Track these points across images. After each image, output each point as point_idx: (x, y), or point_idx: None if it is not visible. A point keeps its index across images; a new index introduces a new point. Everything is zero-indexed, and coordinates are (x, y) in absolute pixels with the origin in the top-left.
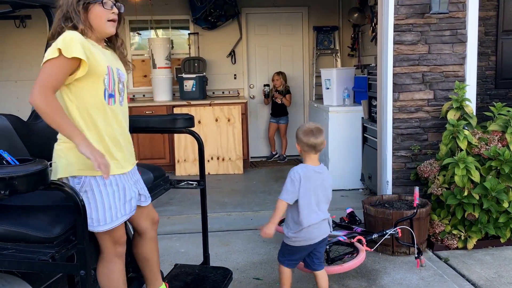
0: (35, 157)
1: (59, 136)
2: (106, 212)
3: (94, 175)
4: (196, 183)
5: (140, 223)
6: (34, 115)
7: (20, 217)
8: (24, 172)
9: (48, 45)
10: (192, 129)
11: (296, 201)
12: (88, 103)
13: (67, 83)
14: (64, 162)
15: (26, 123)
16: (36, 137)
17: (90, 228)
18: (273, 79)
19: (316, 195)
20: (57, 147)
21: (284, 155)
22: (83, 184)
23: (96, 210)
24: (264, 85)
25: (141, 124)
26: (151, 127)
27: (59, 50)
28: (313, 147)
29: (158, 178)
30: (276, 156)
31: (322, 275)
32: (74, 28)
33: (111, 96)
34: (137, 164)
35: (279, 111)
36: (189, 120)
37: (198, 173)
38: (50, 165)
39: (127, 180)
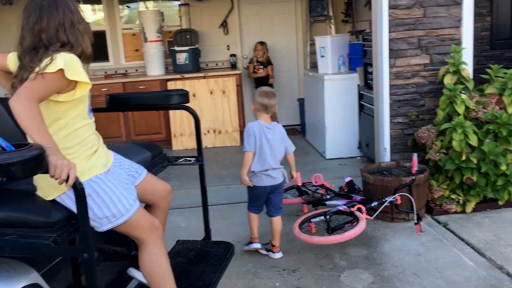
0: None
1: None
2: (118, 204)
3: (90, 177)
4: (194, 159)
5: (147, 198)
6: None
7: (20, 202)
8: (21, 157)
9: (26, 55)
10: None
11: None
12: (75, 116)
13: (61, 100)
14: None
15: None
16: None
17: (114, 225)
18: (256, 49)
19: (266, 147)
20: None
21: None
22: (85, 189)
23: (108, 207)
24: (244, 56)
25: (134, 102)
26: (145, 104)
27: (61, 69)
28: (265, 107)
29: (156, 156)
30: None
31: (276, 220)
32: (62, 46)
33: (90, 111)
34: (134, 143)
35: (263, 85)
36: (184, 95)
37: (195, 147)
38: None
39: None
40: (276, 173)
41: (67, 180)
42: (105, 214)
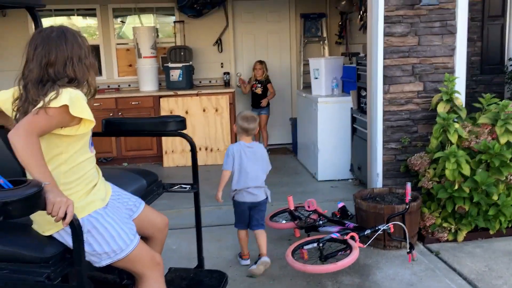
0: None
1: None
2: (118, 240)
3: (89, 213)
4: (189, 186)
5: (144, 231)
6: None
7: (13, 236)
8: (19, 196)
9: (31, 88)
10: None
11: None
12: (77, 151)
13: (64, 134)
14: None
15: None
16: None
17: (114, 260)
18: (255, 68)
19: (247, 165)
20: None
21: (266, 148)
22: (84, 225)
23: (108, 243)
24: (238, 74)
25: (130, 127)
26: (141, 130)
27: (65, 105)
28: (245, 130)
29: (151, 183)
30: None
31: (259, 232)
32: (69, 82)
33: (91, 144)
34: (129, 170)
35: (260, 102)
36: (181, 122)
37: (187, 164)
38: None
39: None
40: (258, 191)
41: (64, 217)
42: (104, 250)
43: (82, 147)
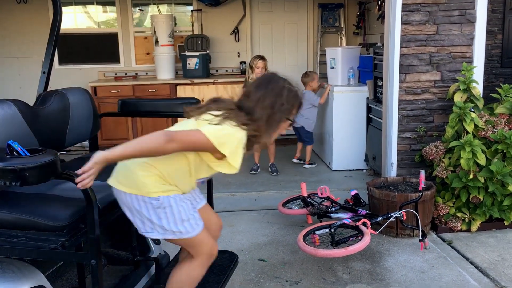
0: (44, 145)
1: (140, 163)
2: (186, 223)
3: (169, 195)
4: None
5: None
6: (41, 99)
7: (30, 205)
8: (35, 163)
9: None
10: None
11: None
12: (196, 166)
13: (204, 158)
14: (146, 184)
15: (33, 108)
16: (44, 123)
17: (176, 237)
18: (255, 66)
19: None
20: (139, 172)
21: (275, 165)
22: (162, 203)
23: (176, 224)
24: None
25: (146, 108)
26: (156, 110)
27: (221, 143)
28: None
29: None
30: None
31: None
32: (249, 120)
33: (203, 182)
34: None
35: None
36: (196, 104)
37: None
38: (60, 155)
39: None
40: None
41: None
42: (171, 228)
43: (203, 169)
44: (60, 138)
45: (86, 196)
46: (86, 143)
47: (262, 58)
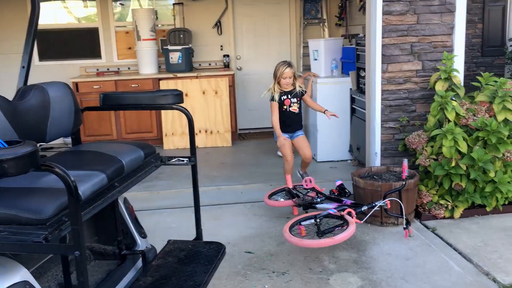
0: (24, 138)
1: None
2: None
3: None
4: (187, 159)
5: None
6: (20, 93)
7: (11, 199)
8: (14, 155)
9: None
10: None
11: None
12: None
13: None
14: None
15: (12, 103)
16: (23, 117)
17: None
18: (283, 76)
19: None
20: None
21: (307, 173)
22: None
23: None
24: (237, 57)
25: (128, 101)
26: (139, 103)
27: None
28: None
29: (149, 155)
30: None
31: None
32: None
33: None
34: (126, 142)
35: (295, 123)
36: (178, 96)
37: (186, 147)
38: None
39: None
40: None
41: None
42: None
43: None
44: (41, 133)
45: (66, 185)
46: (69, 139)
47: (289, 65)
